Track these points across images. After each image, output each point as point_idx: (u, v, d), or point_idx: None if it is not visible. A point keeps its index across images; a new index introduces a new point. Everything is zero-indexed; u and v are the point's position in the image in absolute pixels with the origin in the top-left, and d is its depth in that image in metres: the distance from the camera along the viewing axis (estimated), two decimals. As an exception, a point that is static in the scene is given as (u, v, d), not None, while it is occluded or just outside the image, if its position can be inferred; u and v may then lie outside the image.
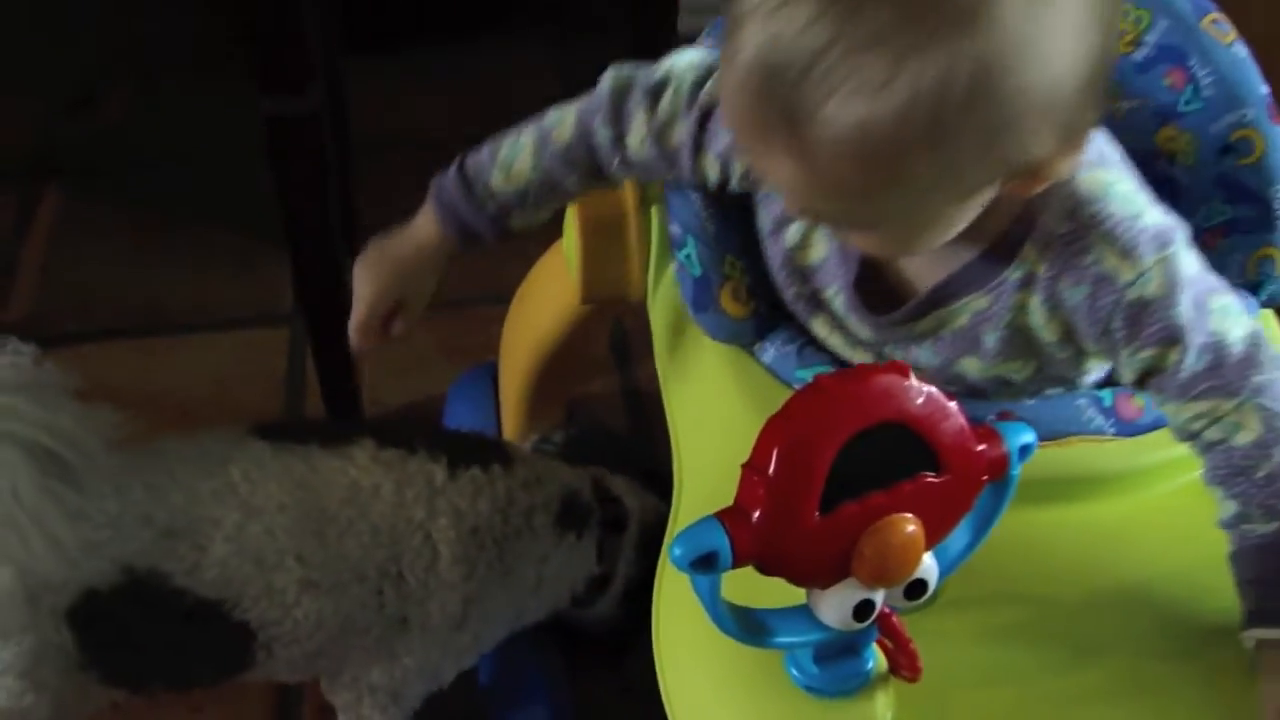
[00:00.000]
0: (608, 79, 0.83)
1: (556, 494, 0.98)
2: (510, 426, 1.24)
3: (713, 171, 0.81)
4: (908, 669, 0.66)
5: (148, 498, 0.86)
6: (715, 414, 0.84)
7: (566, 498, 0.99)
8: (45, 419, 0.80)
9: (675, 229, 0.84)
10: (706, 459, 0.82)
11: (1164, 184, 0.84)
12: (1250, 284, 0.86)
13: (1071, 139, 0.66)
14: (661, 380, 0.89)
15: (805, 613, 0.62)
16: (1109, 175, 0.73)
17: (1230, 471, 0.71)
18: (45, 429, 0.79)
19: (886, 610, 0.64)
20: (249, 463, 0.90)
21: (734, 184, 0.81)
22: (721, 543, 0.55)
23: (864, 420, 0.55)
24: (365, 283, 0.92)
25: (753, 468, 0.56)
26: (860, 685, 0.66)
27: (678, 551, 0.56)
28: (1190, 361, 0.71)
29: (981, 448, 0.59)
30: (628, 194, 0.95)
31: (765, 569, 0.57)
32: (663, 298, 0.91)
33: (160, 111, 1.91)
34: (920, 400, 0.57)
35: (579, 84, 0.86)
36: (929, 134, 0.60)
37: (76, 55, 1.85)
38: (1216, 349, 0.71)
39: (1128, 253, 0.70)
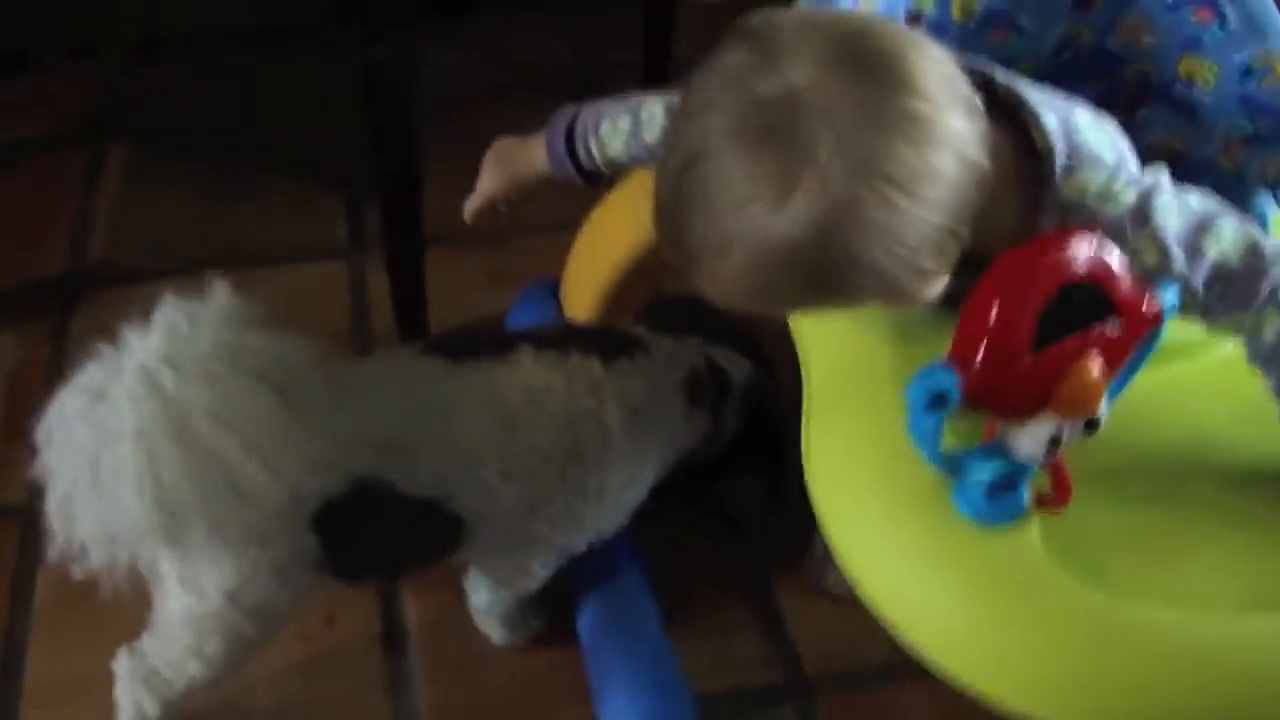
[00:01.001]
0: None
1: (685, 371, 1.10)
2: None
3: None
4: (1059, 500, 0.75)
5: (362, 417, 0.95)
6: (838, 325, 0.92)
7: (691, 373, 1.10)
8: (277, 352, 0.87)
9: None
10: (832, 363, 0.91)
11: (1180, 105, 0.94)
12: (1270, 183, 0.97)
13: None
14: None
15: (989, 451, 0.71)
16: (1083, 177, 0.79)
17: (1263, 358, 0.81)
18: (278, 362, 0.86)
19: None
20: (437, 378, 1.00)
21: None
22: (951, 384, 0.64)
23: (1065, 276, 0.64)
24: (489, 178, 1.10)
25: (971, 320, 0.65)
26: (1017, 515, 0.75)
27: (913, 396, 0.64)
28: (1202, 296, 0.79)
29: (1146, 304, 0.68)
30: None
31: (982, 405, 0.66)
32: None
33: (211, 72, 1.94)
34: (1104, 259, 0.66)
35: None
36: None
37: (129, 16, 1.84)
38: (1221, 276, 0.78)
39: (1119, 237, 0.76)
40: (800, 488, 0.87)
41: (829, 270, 0.70)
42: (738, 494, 1.25)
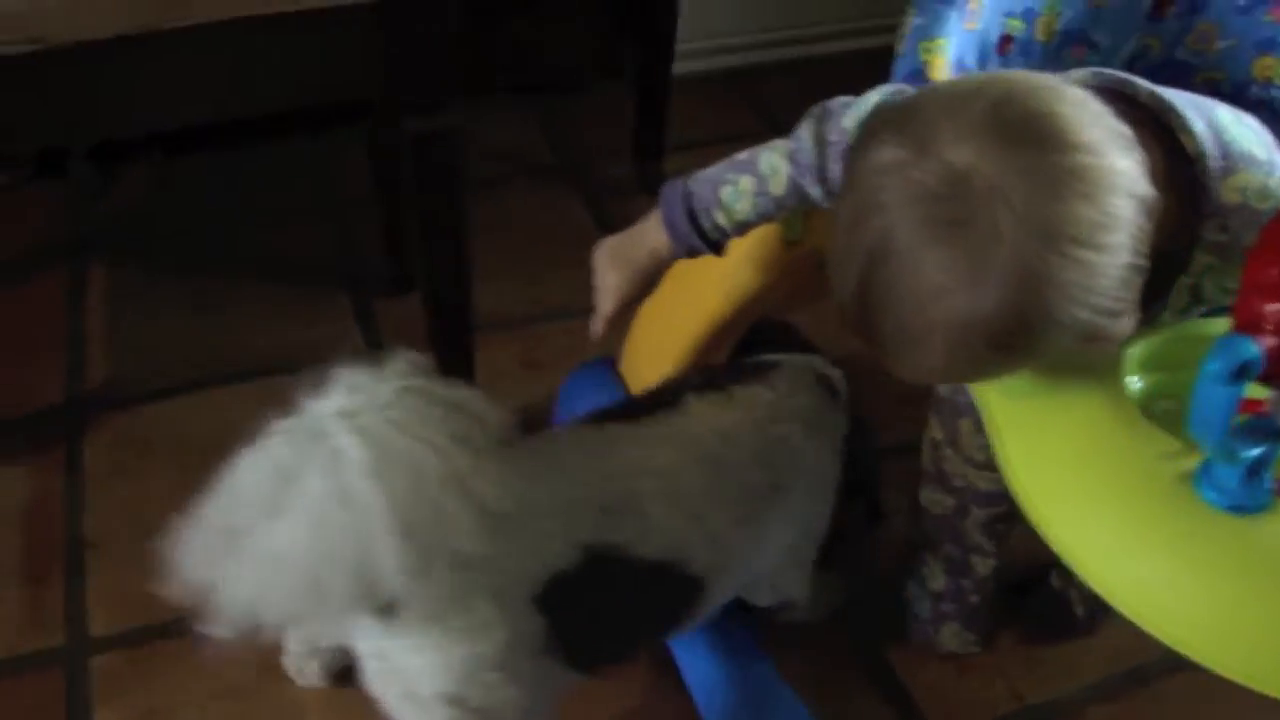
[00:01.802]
0: (809, 140, 0.91)
1: (812, 374, 1.09)
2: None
3: None
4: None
5: (571, 483, 0.88)
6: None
7: (818, 375, 1.09)
8: (478, 421, 0.79)
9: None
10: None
11: (1259, 104, 0.94)
12: None
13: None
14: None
15: (1253, 429, 0.67)
16: (1241, 178, 0.79)
17: None
18: (482, 431, 0.79)
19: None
20: (629, 440, 0.94)
21: None
22: (1254, 354, 0.60)
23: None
24: (612, 278, 1.02)
25: (1257, 290, 0.61)
26: (1265, 503, 0.71)
27: (1216, 367, 0.60)
28: None
29: None
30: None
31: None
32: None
33: (174, 188, 1.87)
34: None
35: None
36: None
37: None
38: None
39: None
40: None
41: (1030, 335, 0.70)
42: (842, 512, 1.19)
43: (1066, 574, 1.27)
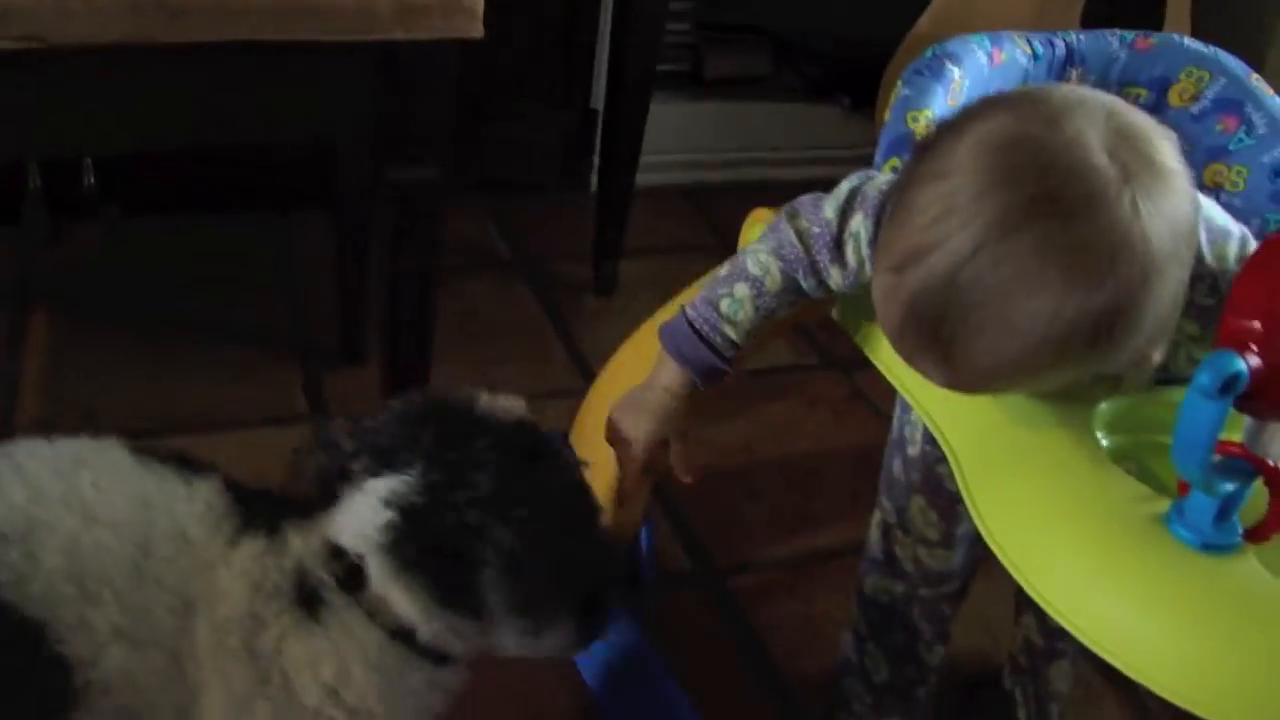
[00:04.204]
0: (790, 235, 0.92)
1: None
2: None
3: None
4: (1272, 528, 0.72)
5: None
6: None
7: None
8: None
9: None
10: (965, 420, 0.87)
11: None
12: None
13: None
14: (877, 359, 0.94)
15: (1227, 466, 0.68)
16: (1220, 247, 0.81)
17: None
18: None
19: (1273, 466, 0.70)
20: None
21: None
22: (1242, 368, 0.61)
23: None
24: (633, 429, 0.98)
25: (1242, 312, 0.63)
26: (1235, 542, 0.72)
27: (1206, 380, 0.61)
28: None
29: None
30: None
31: (1261, 394, 0.63)
32: (854, 296, 0.97)
33: (127, 246, 1.85)
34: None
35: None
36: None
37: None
38: None
39: None
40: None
41: (1125, 332, 0.69)
42: None
43: (1016, 676, 1.26)
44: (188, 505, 0.79)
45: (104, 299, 1.74)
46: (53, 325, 1.66)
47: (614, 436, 0.99)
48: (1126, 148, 0.69)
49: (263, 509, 0.82)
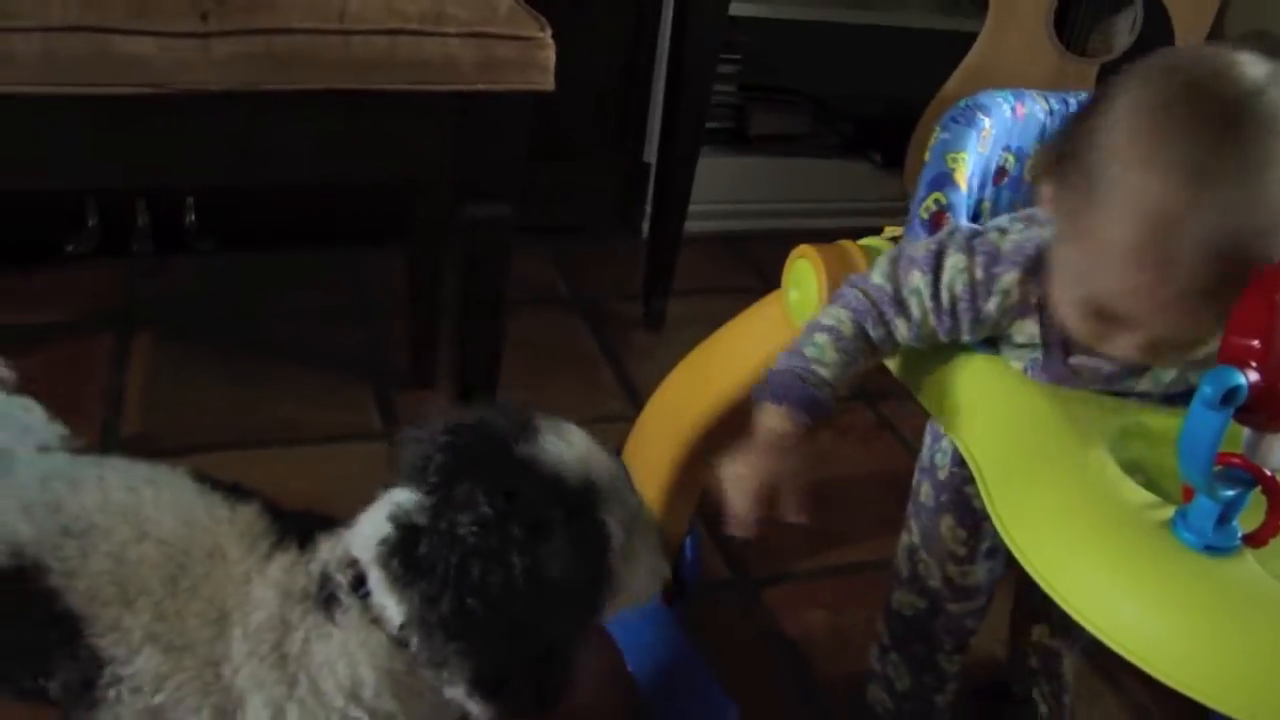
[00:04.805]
0: (855, 293, 0.93)
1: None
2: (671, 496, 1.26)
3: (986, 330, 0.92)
4: (1270, 533, 0.73)
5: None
6: (982, 397, 0.91)
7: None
8: None
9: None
10: (989, 438, 0.89)
11: None
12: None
13: None
14: (911, 385, 0.97)
15: (1229, 475, 0.70)
16: None
17: None
18: None
19: (1270, 475, 0.72)
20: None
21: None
22: (1242, 382, 0.63)
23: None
24: (744, 466, 0.90)
25: (1242, 331, 0.65)
26: (1234, 545, 0.73)
27: (1208, 391, 0.63)
28: None
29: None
30: (855, 250, 1.04)
31: (1261, 407, 0.65)
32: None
33: (222, 278, 1.93)
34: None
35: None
36: None
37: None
38: None
39: None
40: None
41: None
42: None
43: (1033, 678, 1.26)
44: (229, 527, 0.82)
45: (200, 324, 1.80)
46: (154, 347, 1.72)
47: (728, 487, 0.91)
48: None
49: (297, 526, 0.84)
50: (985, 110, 1.02)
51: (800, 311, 1.08)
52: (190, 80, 1.07)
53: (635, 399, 1.74)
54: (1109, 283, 0.77)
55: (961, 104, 1.02)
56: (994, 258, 0.89)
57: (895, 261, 0.93)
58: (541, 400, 1.52)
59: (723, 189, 2.26)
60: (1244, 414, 0.68)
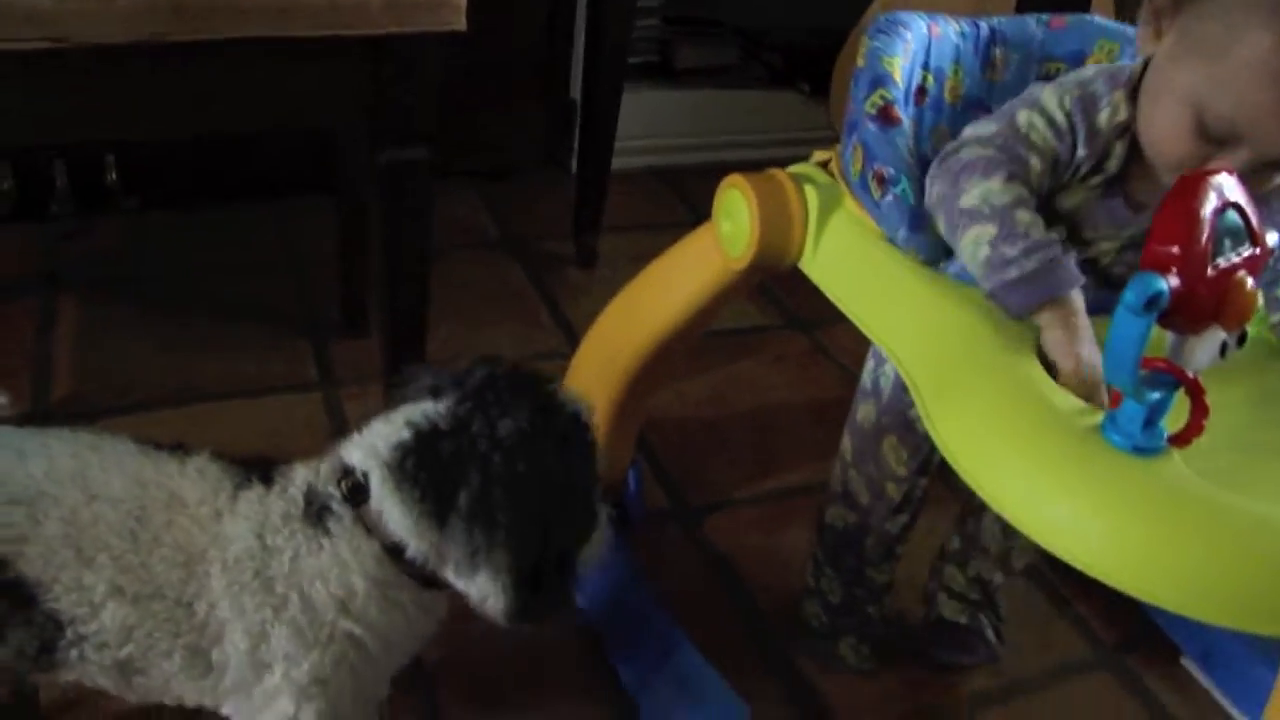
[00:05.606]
0: (984, 154, 0.87)
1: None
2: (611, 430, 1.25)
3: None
4: (1193, 432, 0.74)
5: None
6: (915, 313, 0.91)
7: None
8: None
9: (888, 170, 0.93)
10: (922, 350, 0.89)
11: None
12: None
13: None
14: (846, 307, 0.96)
15: (1154, 377, 0.70)
16: None
17: None
18: None
19: (1192, 377, 0.72)
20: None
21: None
22: (1164, 287, 0.63)
23: (1226, 201, 0.66)
24: (1097, 367, 0.81)
25: (1162, 239, 0.65)
26: (1160, 446, 0.74)
27: (1132, 298, 0.63)
28: None
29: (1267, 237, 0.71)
30: (785, 178, 1.02)
31: (1179, 311, 0.65)
32: (826, 251, 0.99)
33: (147, 237, 1.86)
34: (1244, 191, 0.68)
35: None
36: None
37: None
38: None
39: None
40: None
41: None
42: None
43: (977, 607, 1.28)
44: (180, 478, 0.82)
45: (127, 284, 1.75)
46: (80, 310, 1.67)
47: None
48: None
49: (255, 467, 0.85)
50: (905, 25, 1.00)
51: (733, 242, 1.06)
52: (94, 34, 1.02)
53: (572, 336, 1.72)
54: (1234, 100, 0.76)
55: (882, 18, 1.01)
56: (1091, 81, 0.89)
57: (1000, 115, 0.90)
58: (479, 340, 1.52)
59: (650, 123, 2.23)
60: (1166, 319, 0.68)
